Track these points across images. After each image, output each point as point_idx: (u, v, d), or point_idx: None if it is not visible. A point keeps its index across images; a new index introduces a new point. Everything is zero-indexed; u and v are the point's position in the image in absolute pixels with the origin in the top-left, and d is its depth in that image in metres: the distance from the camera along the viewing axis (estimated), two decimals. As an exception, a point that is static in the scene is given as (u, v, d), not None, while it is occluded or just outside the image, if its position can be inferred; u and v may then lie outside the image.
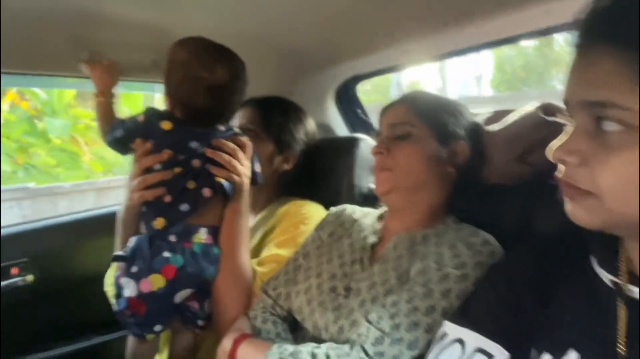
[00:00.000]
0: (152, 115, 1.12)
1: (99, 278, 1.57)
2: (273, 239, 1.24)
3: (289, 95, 1.72)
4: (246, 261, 1.16)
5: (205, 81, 1.09)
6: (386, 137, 1.03)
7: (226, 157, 1.11)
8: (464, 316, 0.71)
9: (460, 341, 0.67)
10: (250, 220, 1.28)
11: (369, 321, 0.85)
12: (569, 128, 0.57)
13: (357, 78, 1.71)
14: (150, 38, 1.25)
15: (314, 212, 1.30)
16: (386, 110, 1.08)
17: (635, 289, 0.57)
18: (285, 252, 1.19)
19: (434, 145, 1.00)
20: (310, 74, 1.66)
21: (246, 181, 1.16)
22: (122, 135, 1.14)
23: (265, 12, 1.19)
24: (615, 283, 0.59)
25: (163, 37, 1.16)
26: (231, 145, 1.13)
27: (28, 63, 1.29)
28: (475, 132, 1.04)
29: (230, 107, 1.17)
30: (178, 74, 1.10)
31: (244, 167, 1.15)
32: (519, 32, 1.13)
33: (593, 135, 0.53)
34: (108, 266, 1.53)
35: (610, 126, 0.51)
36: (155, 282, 1.04)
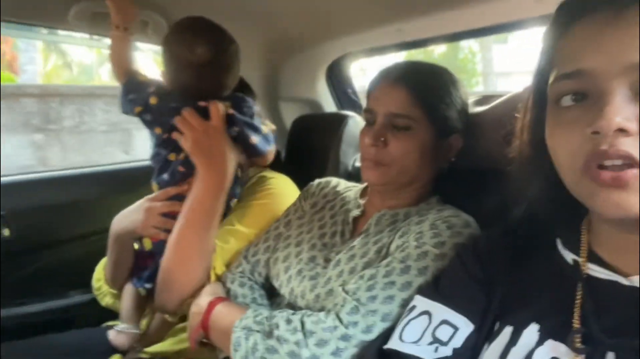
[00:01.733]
0: (154, 89, 1.15)
1: (79, 239, 1.57)
2: (235, 210, 1.22)
3: (278, 70, 1.72)
4: (203, 238, 1.10)
5: (185, 59, 1.09)
6: (382, 126, 0.95)
7: (189, 134, 1.09)
8: (433, 291, 0.73)
9: (428, 313, 0.68)
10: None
11: (345, 291, 0.86)
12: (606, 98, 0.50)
13: (350, 57, 1.71)
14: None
15: (279, 188, 1.28)
16: (383, 90, 0.98)
17: (593, 267, 0.60)
18: (244, 228, 1.18)
19: (432, 139, 0.96)
20: (302, 50, 1.65)
21: (214, 159, 1.10)
22: (132, 98, 1.16)
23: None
24: (575, 261, 0.62)
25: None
26: (192, 120, 1.10)
27: (28, 14, 1.29)
28: (467, 118, 1.02)
29: (219, 83, 1.15)
30: (165, 53, 1.12)
31: (213, 144, 1.10)
32: (514, 18, 1.14)
33: (636, 101, 0.50)
34: (90, 227, 1.53)
35: None
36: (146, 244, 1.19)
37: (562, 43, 0.57)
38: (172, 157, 1.15)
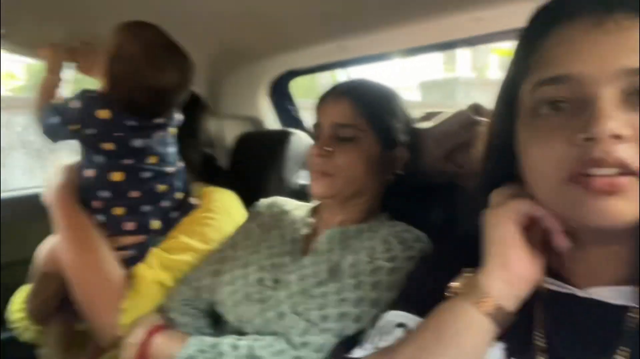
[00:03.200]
0: (87, 100, 1.07)
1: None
2: (179, 226, 1.17)
3: (219, 86, 1.68)
4: (82, 253, 1.06)
5: (153, 82, 1.06)
6: (328, 137, 0.96)
7: None
8: (403, 303, 0.71)
9: (402, 325, 0.66)
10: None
11: (296, 313, 0.83)
12: (599, 105, 0.48)
13: (292, 74, 1.70)
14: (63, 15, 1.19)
15: (223, 201, 1.25)
16: (328, 103, 1.00)
17: (549, 280, 0.60)
18: (188, 239, 1.13)
19: (378, 150, 0.97)
20: (244, 66, 1.63)
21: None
22: (58, 122, 1.08)
23: (196, 0, 1.15)
24: None
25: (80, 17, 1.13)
26: None
27: None
28: (412, 133, 1.04)
29: (170, 107, 1.13)
30: (125, 66, 1.05)
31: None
32: (455, 37, 1.17)
33: (627, 108, 0.48)
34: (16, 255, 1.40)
35: None
36: None
37: (541, 48, 0.55)
38: (115, 176, 1.09)
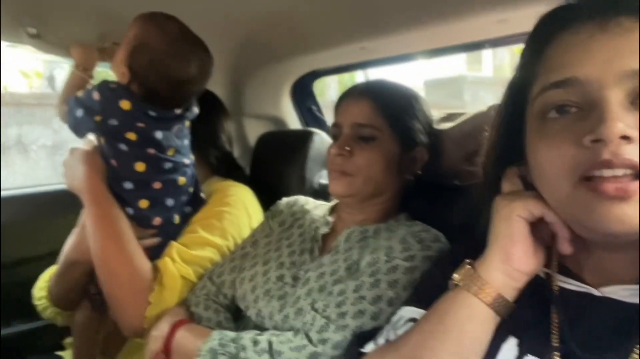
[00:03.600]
0: (107, 91, 1.08)
1: (22, 264, 1.47)
2: (197, 220, 1.18)
3: (243, 86, 1.71)
4: (114, 246, 1.06)
5: (176, 74, 1.07)
6: (348, 137, 0.98)
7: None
8: (417, 299, 0.72)
9: (414, 320, 0.67)
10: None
11: (315, 310, 0.84)
12: (604, 107, 0.49)
13: (315, 74, 1.71)
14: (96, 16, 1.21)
15: (239, 195, 1.26)
16: (348, 103, 1.01)
17: (565, 279, 0.61)
18: (207, 235, 1.14)
19: (397, 151, 0.98)
20: (267, 66, 1.64)
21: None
22: (82, 115, 1.08)
23: (222, 1, 1.17)
24: (547, 274, 0.62)
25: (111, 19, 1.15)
26: None
27: None
28: (433, 133, 1.04)
29: (189, 98, 1.15)
30: (148, 57, 1.06)
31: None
32: (477, 39, 1.16)
33: (633, 109, 0.49)
34: (34, 250, 1.42)
35: None
36: None
37: (547, 53, 0.56)
38: (139, 167, 1.10)
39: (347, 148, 0.96)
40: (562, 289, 0.60)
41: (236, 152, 1.78)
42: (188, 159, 1.18)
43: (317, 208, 1.14)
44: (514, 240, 0.57)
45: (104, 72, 1.44)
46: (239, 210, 1.22)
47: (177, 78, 1.08)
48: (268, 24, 1.32)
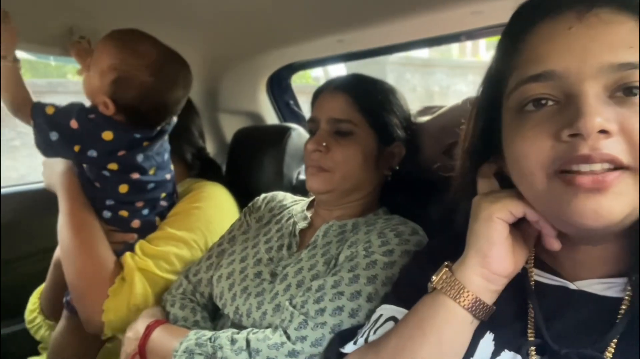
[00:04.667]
0: (87, 122, 1.03)
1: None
2: (168, 217, 1.18)
3: (218, 82, 1.68)
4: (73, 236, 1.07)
5: (166, 99, 1.08)
6: (325, 132, 0.96)
7: None
8: (396, 297, 0.71)
9: (394, 319, 0.67)
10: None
11: (292, 306, 0.83)
12: (585, 101, 0.48)
13: (292, 68, 1.69)
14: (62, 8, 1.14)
15: (210, 192, 1.26)
16: (325, 98, 0.99)
17: (541, 273, 0.60)
18: (174, 231, 1.14)
19: (375, 146, 0.97)
20: (242, 60, 1.62)
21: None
22: (57, 139, 1.03)
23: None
24: (523, 268, 0.62)
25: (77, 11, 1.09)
26: None
27: None
28: (410, 128, 1.03)
29: (174, 114, 1.15)
30: (135, 91, 1.03)
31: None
32: (452, 31, 1.16)
33: (611, 103, 0.48)
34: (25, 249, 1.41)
35: (636, 90, 0.48)
36: None
37: (524, 45, 0.54)
38: (122, 189, 1.09)
39: (324, 144, 0.95)
40: (538, 283, 0.60)
41: (212, 149, 1.76)
42: (169, 173, 1.19)
43: (295, 203, 1.13)
44: (492, 242, 0.56)
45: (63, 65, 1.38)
46: (209, 205, 1.22)
47: (167, 102, 1.08)
48: (243, 16, 1.29)
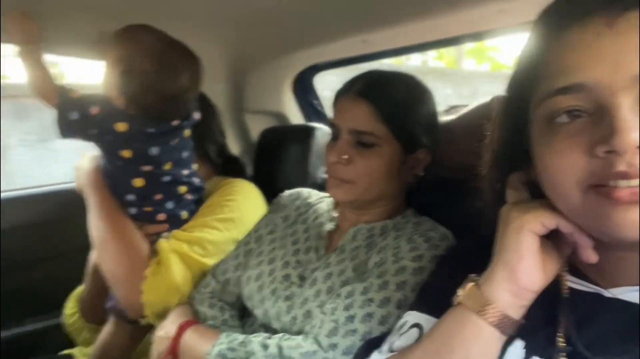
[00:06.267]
0: (105, 112, 1.07)
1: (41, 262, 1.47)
2: (200, 210, 1.20)
3: (244, 82, 1.70)
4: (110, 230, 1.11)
5: (169, 89, 1.07)
6: (346, 142, 0.93)
7: None
8: (421, 304, 0.71)
9: (418, 326, 0.66)
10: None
11: (323, 312, 0.83)
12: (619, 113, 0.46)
13: (315, 68, 1.70)
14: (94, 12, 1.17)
15: (243, 187, 1.28)
16: (346, 105, 0.94)
17: (574, 279, 0.59)
18: (208, 219, 1.16)
19: (398, 155, 0.93)
20: (267, 61, 1.63)
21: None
22: (77, 119, 1.06)
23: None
24: (557, 274, 0.60)
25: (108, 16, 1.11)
26: None
27: None
28: (436, 131, 1.00)
29: (185, 107, 1.15)
30: (138, 80, 1.05)
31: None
32: (478, 29, 1.15)
33: None
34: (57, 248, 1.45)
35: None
36: None
37: (550, 53, 0.52)
38: (137, 182, 1.12)
39: (345, 156, 0.92)
40: (571, 289, 0.59)
41: (238, 149, 1.78)
42: (188, 170, 1.19)
43: (321, 201, 1.13)
44: (521, 256, 0.54)
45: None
46: (242, 198, 1.23)
47: (171, 93, 1.07)
48: (267, 18, 1.30)
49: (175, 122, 1.12)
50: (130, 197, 1.13)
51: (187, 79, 1.08)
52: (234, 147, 1.79)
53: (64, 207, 1.58)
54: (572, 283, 0.59)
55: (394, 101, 0.93)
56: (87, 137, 1.09)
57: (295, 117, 1.80)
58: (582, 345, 0.53)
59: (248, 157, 1.66)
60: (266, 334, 0.87)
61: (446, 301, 0.62)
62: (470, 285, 0.58)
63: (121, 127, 1.07)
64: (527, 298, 0.56)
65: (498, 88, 0.66)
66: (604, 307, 0.55)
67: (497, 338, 0.55)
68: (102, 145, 1.11)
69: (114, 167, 1.12)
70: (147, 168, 1.11)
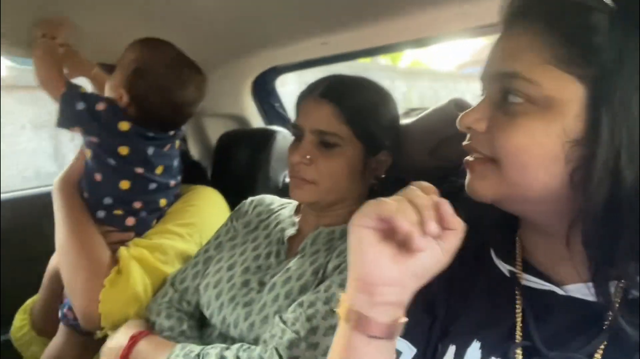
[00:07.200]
0: (111, 109, 1.09)
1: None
2: (163, 222, 1.18)
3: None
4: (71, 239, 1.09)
5: (175, 98, 1.11)
6: (309, 143, 0.92)
7: None
8: None
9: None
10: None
11: (283, 322, 0.81)
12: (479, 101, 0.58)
13: (276, 71, 1.68)
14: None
15: (205, 193, 1.29)
16: (309, 106, 0.95)
17: (529, 277, 0.60)
18: (169, 226, 1.16)
19: (361, 156, 0.94)
20: (226, 63, 1.60)
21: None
22: (82, 109, 1.07)
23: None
24: (511, 272, 0.61)
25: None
26: None
27: None
28: (397, 133, 1.00)
29: (186, 120, 1.19)
30: (147, 81, 1.09)
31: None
32: (437, 32, 1.16)
33: (499, 106, 0.55)
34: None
35: (514, 98, 0.53)
36: None
37: None
38: (123, 185, 1.11)
39: (308, 156, 0.92)
40: (527, 287, 0.60)
41: (197, 153, 1.74)
42: (174, 180, 1.20)
43: (283, 207, 1.11)
44: (361, 251, 0.50)
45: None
46: (204, 204, 1.24)
47: (176, 102, 1.11)
48: (225, 19, 1.27)
49: (171, 132, 1.16)
50: (108, 201, 1.12)
51: (193, 93, 1.13)
52: (193, 151, 1.75)
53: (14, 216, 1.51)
54: (527, 281, 0.60)
55: (357, 103, 0.93)
56: (87, 129, 1.09)
57: (256, 120, 1.78)
58: (541, 342, 0.54)
59: (207, 161, 1.63)
60: (224, 346, 0.84)
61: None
62: (342, 299, 0.53)
63: (123, 126, 1.09)
64: (384, 294, 0.50)
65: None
66: (558, 304, 0.56)
67: (383, 343, 0.51)
68: (100, 140, 1.10)
69: (104, 166, 1.11)
70: (139, 170, 1.12)
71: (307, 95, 0.97)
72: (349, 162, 0.92)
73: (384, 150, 0.96)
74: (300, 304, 0.82)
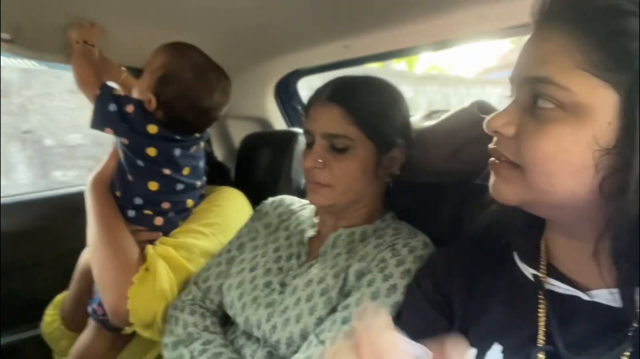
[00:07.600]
0: (140, 111, 1.13)
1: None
2: (188, 222, 1.21)
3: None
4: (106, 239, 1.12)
5: (203, 102, 1.14)
6: (321, 147, 0.93)
7: None
8: (395, 321, 0.70)
9: None
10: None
11: (320, 341, 0.80)
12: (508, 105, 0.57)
13: (298, 74, 1.69)
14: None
15: (229, 194, 1.30)
16: (317, 110, 0.95)
17: (554, 282, 0.59)
18: (193, 225, 1.18)
19: (373, 156, 0.94)
20: (250, 66, 1.62)
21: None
22: (114, 111, 1.11)
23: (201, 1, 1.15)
24: (535, 276, 0.61)
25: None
26: None
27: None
28: (409, 129, 1.00)
29: (210, 123, 1.22)
30: (176, 87, 1.11)
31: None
32: (458, 35, 1.16)
33: (528, 110, 0.54)
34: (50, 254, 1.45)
35: (544, 103, 0.52)
36: None
37: None
38: (152, 186, 1.14)
39: (320, 161, 0.93)
40: (550, 292, 0.59)
41: (221, 155, 1.76)
42: (200, 181, 1.23)
43: (303, 208, 1.12)
44: None
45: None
46: (229, 204, 1.25)
47: (204, 107, 1.14)
48: (250, 23, 1.29)
49: (197, 135, 1.19)
50: (139, 201, 1.15)
51: (219, 98, 1.16)
52: (217, 153, 1.78)
53: (53, 213, 1.56)
54: (552, 285, 0.59)
55: (364, 103, 0.93)
56: (118, 130, 1.12)
57: (279, 122, 1.80)
58: (564, 347, 0.54)
59: (230, 163, 1.65)
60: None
61: (418, 320, 0.63)
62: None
63: (152, 129, 1.12)
64: None
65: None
66: (582, 310, 0.56)
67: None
68: (130, 141, 1.13)
69: (134, 167, 1.14)
70: (167, 171, 1.14)
71: (315, 100, 0.97)
72: (362, 162, 0.93)
73: (396, 147, 0.96)
74: (334, 322, 0.81)
